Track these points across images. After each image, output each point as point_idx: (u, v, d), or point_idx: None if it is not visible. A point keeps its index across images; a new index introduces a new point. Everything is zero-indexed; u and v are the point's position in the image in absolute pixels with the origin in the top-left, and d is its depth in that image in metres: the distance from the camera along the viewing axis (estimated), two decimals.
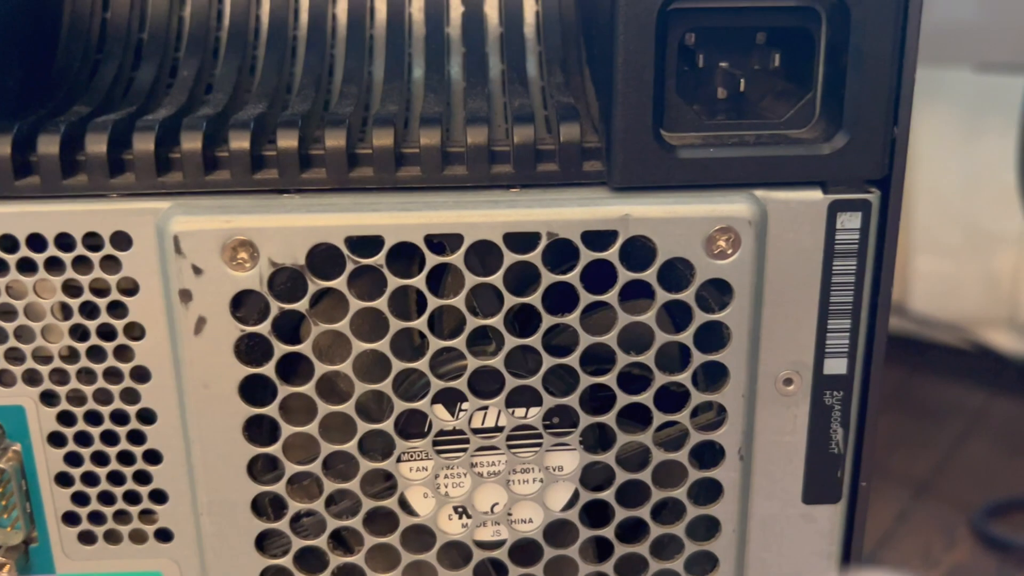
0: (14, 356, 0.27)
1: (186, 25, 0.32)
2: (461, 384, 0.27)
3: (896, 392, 1.01)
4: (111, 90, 0.30)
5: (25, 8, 0.30)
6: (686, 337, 0.27)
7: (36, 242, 0.26)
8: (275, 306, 0.26)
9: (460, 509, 0.29)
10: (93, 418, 0.28)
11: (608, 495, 0.28)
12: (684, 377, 0.27)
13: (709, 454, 0.28)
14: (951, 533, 0.82)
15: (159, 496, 0.28)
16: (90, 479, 0.28)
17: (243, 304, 0.26)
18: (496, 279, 0.26)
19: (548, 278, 0.26)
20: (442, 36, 0.31)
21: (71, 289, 0.26)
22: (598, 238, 0.26)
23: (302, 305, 0.26)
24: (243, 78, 0.30)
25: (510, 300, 0.26)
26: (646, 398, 0.27)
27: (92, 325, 0.27)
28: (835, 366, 0.28)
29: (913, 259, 1.07)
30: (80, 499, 0.28)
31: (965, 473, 0.88)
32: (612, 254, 0.26)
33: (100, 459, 0.28)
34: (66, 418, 0.28)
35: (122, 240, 0.26)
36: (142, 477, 0.28)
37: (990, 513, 0.82)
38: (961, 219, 1.00)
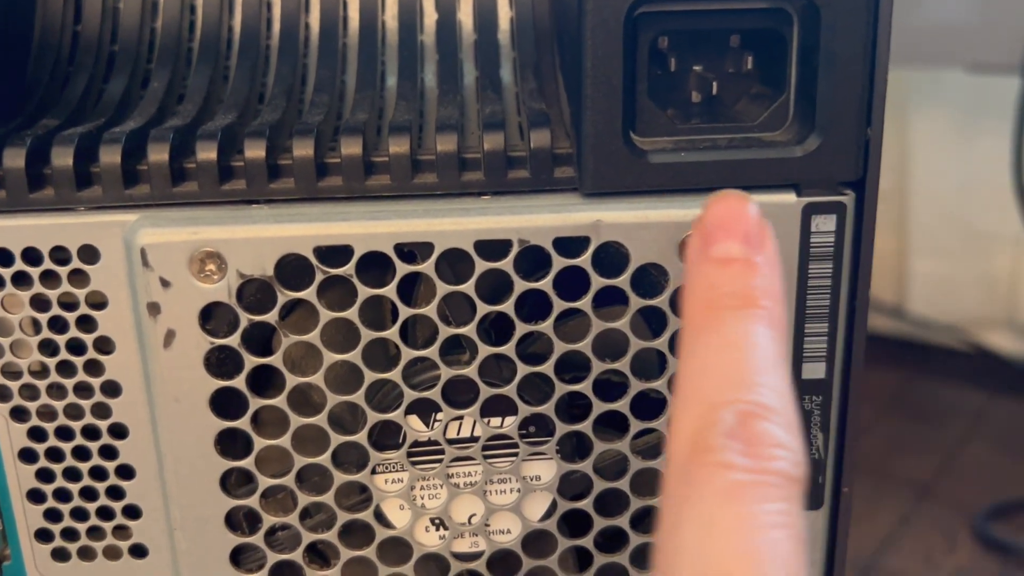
0: None
1: (158, 36, 0.31)
2: (435, 394, 0.27)
3: (895, 395, 1.01)
4: (81, 102, 0.30)
5: None
6: (661, 343, 0.26)
7: (3, 256, 0.26)
8: (244, 318, 0.26)
9: (437, 521, 0.28)
10: (64, 433, 0.27)
11: (586, 504, 0.28)
12: (660, 384, 0.27)
13: None
14: (953, 536, 0.82)
15: (133, 512, 0.28)
16: (62, 495, 0.28)
17: (212, 316, 0.26)
18: (468, 287, 0.26)
19: (520, 285, 0.26)
20: (416, 44, 0.31)
21: (40, 304, 0.26)
22: (570, 244, 0.26)
23: (272, 316, 0.26)
24: (215, 88, 0.30)
25: (483, 308, 0.26)
26: (622, 405, 0.27)
27: (62, 340, 0.26)
28: (813, 370, 0.27)
29: (910, 262, 1.06)
30: (53, 516, 0.28)
31: (966, 476, 0.88)
32: (584, 260, 0.26)
33: (72, 475, 0.28)
34: (37, 434, 0.27)
35: (90, 254, 0.26)
36: (115, 492, 0.28)
37: (991, 516, 0.81)
38: (958, 221, 1.00)
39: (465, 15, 0.32)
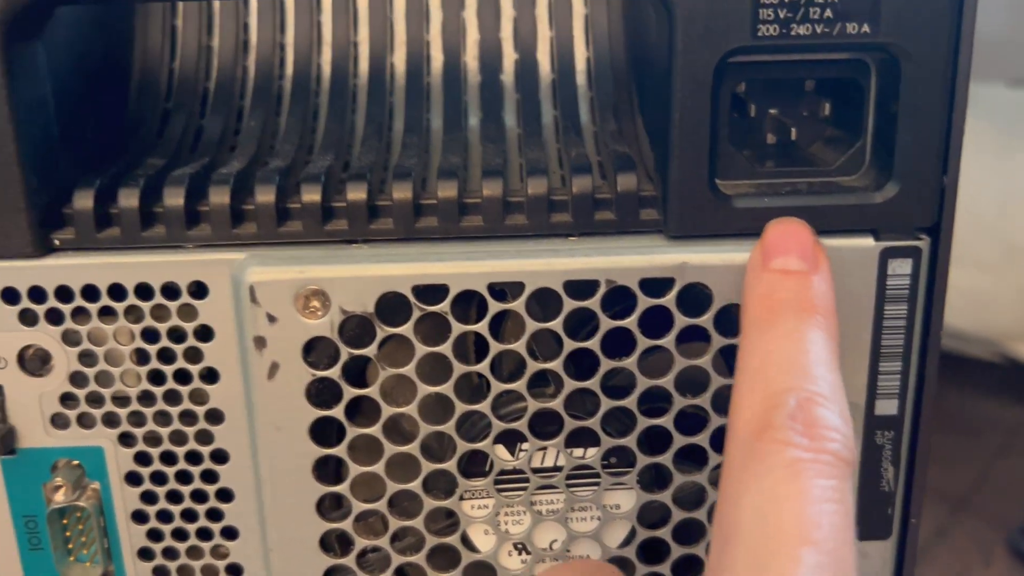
0: (94, 399, 0.28)
1: (250, 74, 0.33)
2: (522, 425, 0.28)
3: (933, 402, 1.01)
4: (181, 140, 0.31)
5: (98, 61, 0.31)
6: None
7: (116, 291, 0.27)
8: (345, 351, 0.27)
9: (520, 545, 0.29)
10: (168, 458, 0.29)
11: (664, 533, 0.29)
12: None
13: None
14: (988, 550, 0.82)
15: (230, 533, 0.29)
16: (164, 516, 0.29)
17: (314, 349, 0.27)
18: (556, 324, 0.27)
19: (606, 323, 0.27)
20: (497, 84, 0.33)
21: (149, 335, 0.28)
22: (655, 285, 0.27)
23: (371, 350, 0.27)
24: (307, 127, 0.31)
25: (569, 345, 0.27)
26: (702, 439, 0.28)
27: (169, 370, 0.28)
28: (886, 407, 0.28)
29: (948, 274, 1.07)
30: (155, 535, 0.29)
31: (1002, 489, 0.88)
32: (669, 300, 0.27)
33: (174, 497, 0.29)
34: (143, 458, 0.29)
35: (199, 289, 0.27)
36: (214, 514, 0.29)
37: None
38: (996, 234, 1.00)
39: (543, 55, 0.33)
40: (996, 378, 1.03)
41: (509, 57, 0.33)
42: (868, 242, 0.27)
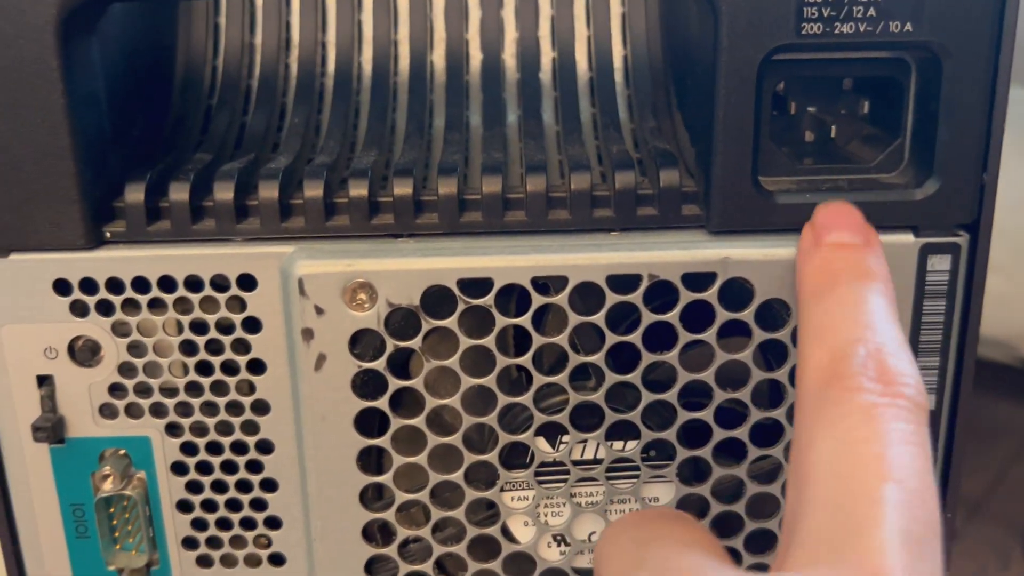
0: (142, 390, 0.29)
1: (292, 71, 0.33)
2: (562, 418, 0.28)
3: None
4: (225, 136, 0.31)
5: (145, 58, 0.32)
6: (781, 375, 0.28)
7: (166, 283, 0.28)
8: (390, 343, 0.27)
9: (559, 537, 0.30)
10: (214, 448, 0.29)
11: (703, 525, 0.29)
12: (778, 413, 0.28)
13: None
14: (1006, 553, 0.82)
15: (274, 523, 0.30)
16: (209, 506, 0.30)
17: (360, 341, 0.28)
18: (598, 318, 0.27)
19: (648, 317, 0.27)
20: (535, 81, 0.33)
21: (197, 327, 0.28)
22: (697, 279, 0.27)
23: (416, 342, 0.27)
24: (349, 124, 0.32)
25: (611, 338, 0.28)
26: (742, 433, 0.28)
27: (216, 361, 0.28)
28: None
29: None
30: (199, 525, 0.30)
31: (1019, 493, 0.88)
32: (711, 295, 0.27)
33: (219, 487, 0.29)
34: (189, 448, 0.29)
35: (247, 282, 0.27)
36: (258, 504, 0.30)
37: None
38: (1013, 237, 1.00)
39: (580, 54, 0.34)
40: (1012, 381, 1.03)
41: (547, 55, 0.34)
42: (908, 238, 0.27)
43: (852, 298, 0.23)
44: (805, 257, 0.25)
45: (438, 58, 0.34)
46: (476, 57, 0.34)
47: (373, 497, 0.30)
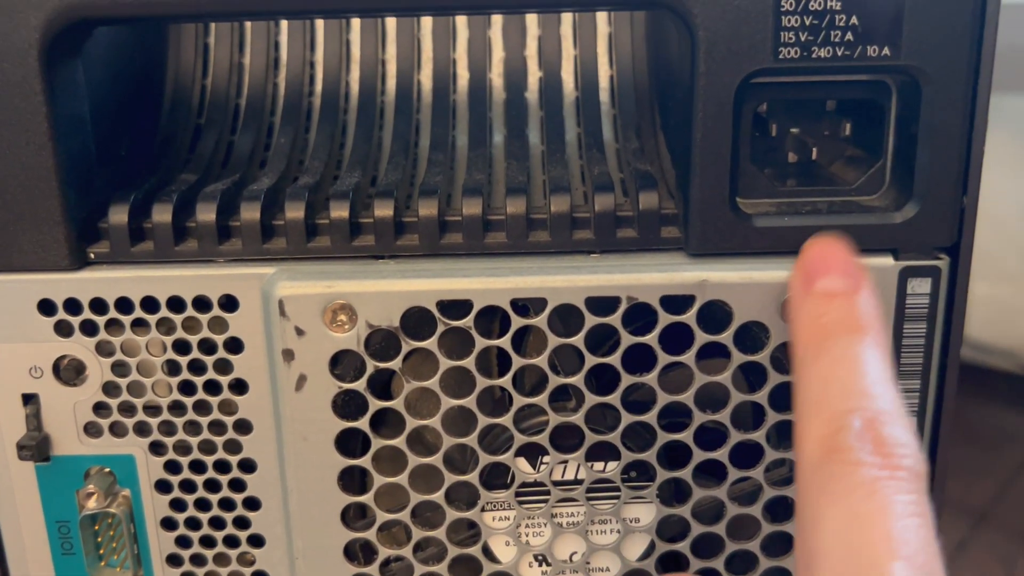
0: (126, 409, 0.29)
1: (280, 91, 0.34)
2: (543, 439, 0.28)
3: (952, 420, 1.00)
4: (212, 156, 0.32)
5: (133, 79, 0.32)
6: (761, 397, 0.28)
7: (149, 304, 0.28)
8: (371, 364, 0.28)
9: (540, 557, 0.30)
10: (197, 467, 0.29)
11: (683, 547, 0.29)
12: (759, 435, 0.28)
13: (782, 508, 0.29)
14: (1012, 562, 0.82)
15: (257, 540, 0.30)
16: (193, 524, 0.30)
17: (340, 362, 0.28)
18: (577, 340, 0.28)
19: (627, 339, 0.27)
20: (522, 101, 0.33)
21: (180, 347, 0.28)
22: (676, 302, 0.27)
23: (396, 363, 0.28)
24: (335, 144, 0.32)
25: (591, 360, 0.28)
26: (722, 454, 0.28)
27: (199, 380, 0.28)
28: None
29: (970, 285, 1.06)
30: (183, 542, 0.30)
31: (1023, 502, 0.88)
32: (690, 317, 0.27)
33: (203, 505, 0.30)
34: (172, 467, 0.29)
35: (229, 303, 0.28)
36: (242, 523, 0.30)
37: None
38: (1018, 245, 0.99)
39: (567, 73, 0.34)
40: (1018, 390, 1.02)
41: (534, 75, 0.34)
42: (887, 261, 0.27)
43: (845, 359, 0.23)
44: (796, 306, 0.25)
45: (425, 78, 0.34)
46: (463, 77, 0.34)
47: (355, 516, 0.30)
